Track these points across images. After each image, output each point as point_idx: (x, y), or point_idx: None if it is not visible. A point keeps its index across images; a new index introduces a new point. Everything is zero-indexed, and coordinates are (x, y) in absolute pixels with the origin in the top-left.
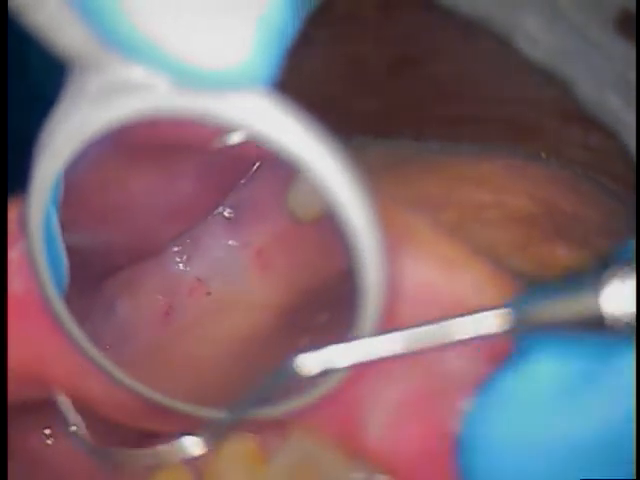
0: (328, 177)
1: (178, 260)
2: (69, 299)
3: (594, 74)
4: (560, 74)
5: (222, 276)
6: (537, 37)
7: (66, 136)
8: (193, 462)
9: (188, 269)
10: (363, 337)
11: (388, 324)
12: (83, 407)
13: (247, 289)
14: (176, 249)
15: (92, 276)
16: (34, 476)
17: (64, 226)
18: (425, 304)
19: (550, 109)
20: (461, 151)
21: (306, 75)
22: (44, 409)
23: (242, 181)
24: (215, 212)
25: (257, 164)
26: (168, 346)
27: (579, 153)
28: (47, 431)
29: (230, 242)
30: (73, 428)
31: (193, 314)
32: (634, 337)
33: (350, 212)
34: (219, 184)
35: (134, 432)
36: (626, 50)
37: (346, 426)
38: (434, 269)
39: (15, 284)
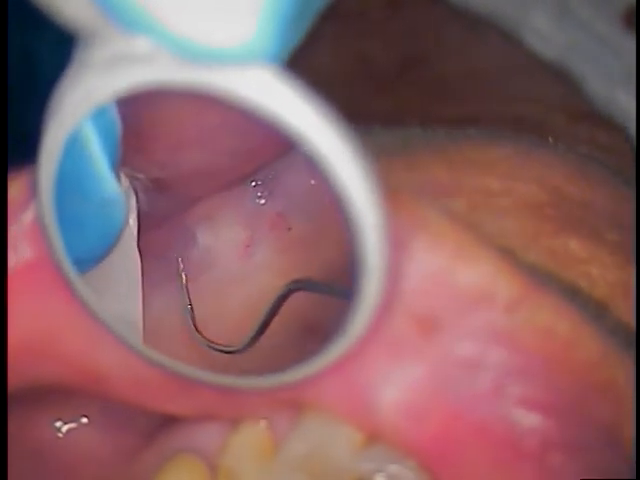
0: (333, 156)
1: (259, 195)
2: (148, 230)
3: (603, 71)
4: (569, 71)
5: (303, 213)
6: (545, 34)
7: (73, 105)
8: (206, 453)
9: (269, 204)
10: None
11: (393, 310)
12: (95, 390)
13: (327, 227)
14: (258, 183)
15: (172, 207)
16: (44, 469)
17: (141, 157)
18: (436, 293)
19: (559, 106)
20: (468, 136)
21: (313, 73)
22: (54, 399)
23: None
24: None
25: None
26: (246, 279)
27: (588, 150)
28: (58, 423)
29: (312, 181)
30: (84, 420)
31: (274, 249)
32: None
33: (354, 192)
34: None
35: (148, 419)
36: (635, 46)
37: (357, 405)
38: (446, 258)
39: (26, 252)
